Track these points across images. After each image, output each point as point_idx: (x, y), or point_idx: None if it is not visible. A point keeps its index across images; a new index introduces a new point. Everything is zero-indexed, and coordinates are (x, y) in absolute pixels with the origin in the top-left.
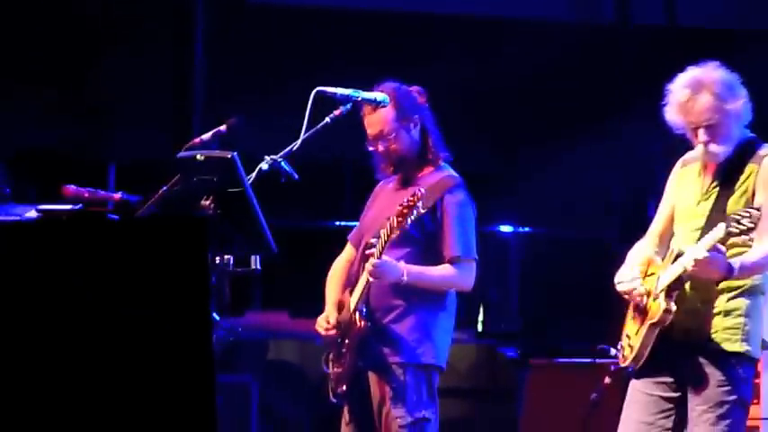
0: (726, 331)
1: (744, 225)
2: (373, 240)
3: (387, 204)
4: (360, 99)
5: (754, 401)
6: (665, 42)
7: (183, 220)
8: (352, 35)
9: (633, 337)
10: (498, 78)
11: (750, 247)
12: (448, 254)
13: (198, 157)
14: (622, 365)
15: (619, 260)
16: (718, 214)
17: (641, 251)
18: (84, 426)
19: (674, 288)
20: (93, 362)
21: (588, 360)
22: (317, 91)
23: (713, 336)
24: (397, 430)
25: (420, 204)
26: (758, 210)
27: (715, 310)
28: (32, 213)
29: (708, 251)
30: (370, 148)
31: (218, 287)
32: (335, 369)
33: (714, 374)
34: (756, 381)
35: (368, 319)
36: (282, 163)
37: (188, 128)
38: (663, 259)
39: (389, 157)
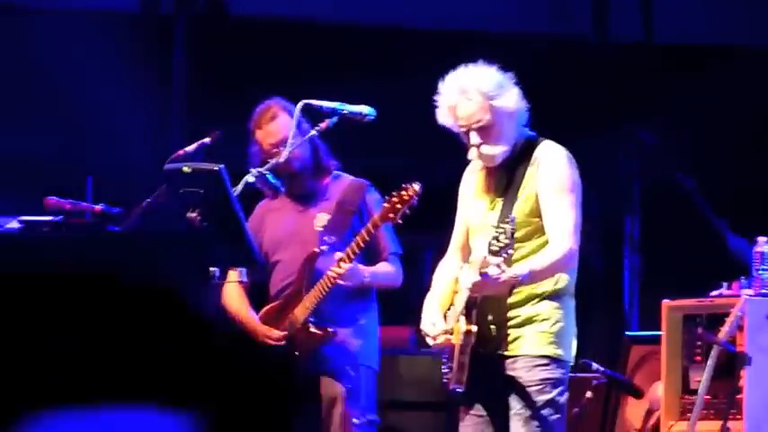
0: (533, 337)
1: (501, 242)
2: (324, 248)
3: (297, 219)
4: (346, 112)
5: (737, 416)
6: (640, 59)
7: (183, 233)
8: (335, 48)
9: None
10: None
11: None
12: (385, 251)
13: (185, 169)
14: (450, 387)
15: (598, 275)
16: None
17: (444, 274)
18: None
19: (470, 308)
20: (90, 375)
21: (570, 374)
22: (304, 104)
23: (521, 343)
24: (351, 429)
25: (416, 200)
26: (509, 223)
27: (520, 319)
28: (14, 224)
29: (480, 274)
30: (270, 161)
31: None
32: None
33: (523, 378)
34: (738, 396)
35: (320, 328)
36: (268, 175)
37: (168, 140)
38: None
39: (288, 166)
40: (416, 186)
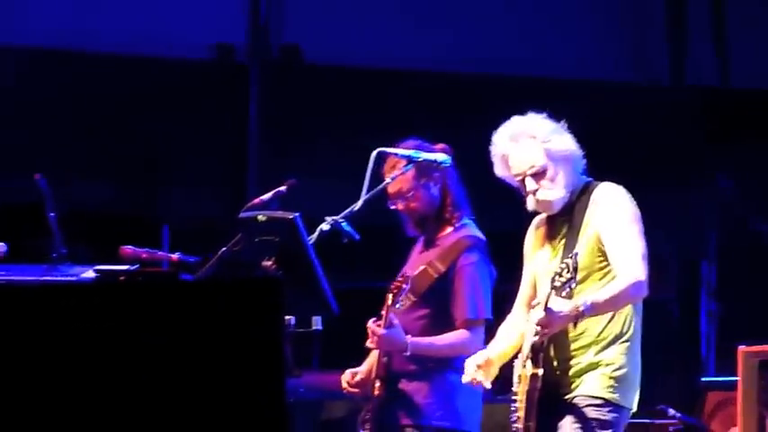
0: (593, 380)
1: (564, 277)
2: (397, 306)
3: (410, 266)
4: (421, 160)
5: None
6: (718, 103)
7: (259, 281)
8: (408, 95)
9: (518, 404)
10: None
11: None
12: (459, 317)
13: (259, 217)
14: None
15: (674, 321)
16: None
17: (510, 328)
18: None
19: (536, 351)
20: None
21: (647, 420)
22: (378, 152)
23: (583, 387)
24: None
25: (406, 288)
26: (572, 258)
27: (583, 365)
28: (90, 274)
29: (544, 310)
30: (392, 207)
31: None
32: (367, 429)
33: (574, 415)
34: None
35: (385, 387)
36: (343, 224)
37: (242, 188)
38: None
39: (410, 215)
40: (405, 277)
